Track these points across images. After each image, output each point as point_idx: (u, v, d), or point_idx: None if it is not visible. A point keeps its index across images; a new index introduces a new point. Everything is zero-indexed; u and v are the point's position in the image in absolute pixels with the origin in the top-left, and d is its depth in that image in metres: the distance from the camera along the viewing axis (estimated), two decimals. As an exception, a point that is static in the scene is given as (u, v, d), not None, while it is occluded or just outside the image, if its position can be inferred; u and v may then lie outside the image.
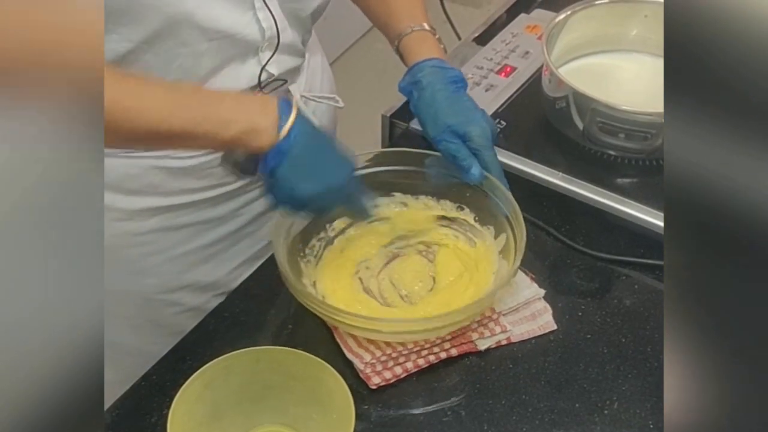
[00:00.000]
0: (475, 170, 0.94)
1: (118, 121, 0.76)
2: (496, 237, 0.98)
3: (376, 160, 1.01)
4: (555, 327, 0.95)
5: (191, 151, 0.95)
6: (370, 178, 1.00)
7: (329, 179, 0.86)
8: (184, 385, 0.82)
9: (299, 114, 0.83)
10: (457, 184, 0.99)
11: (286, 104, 0.83)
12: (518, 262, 0.89)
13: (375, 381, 0.89)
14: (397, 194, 1.03)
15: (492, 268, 0.97)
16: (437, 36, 1.03)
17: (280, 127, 0.81)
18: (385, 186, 1.02)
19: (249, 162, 0.84)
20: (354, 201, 0.92)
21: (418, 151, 1.00)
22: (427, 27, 1.03)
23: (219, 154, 0.85)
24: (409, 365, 0.90)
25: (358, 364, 0.89)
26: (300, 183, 0.84)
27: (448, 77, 0.98)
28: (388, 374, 0.90)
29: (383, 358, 0.90)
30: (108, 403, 0.90)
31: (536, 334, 0.94)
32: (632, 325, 0.96)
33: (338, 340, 0.92)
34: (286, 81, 1.01)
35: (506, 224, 0.95)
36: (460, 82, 0.99)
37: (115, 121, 0.76)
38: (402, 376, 0.90)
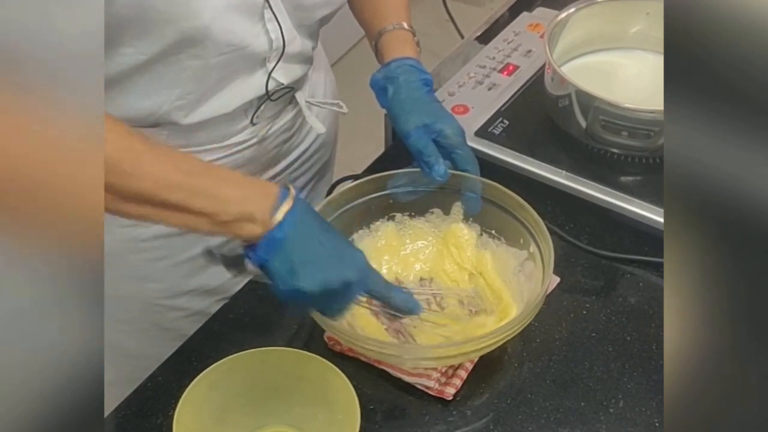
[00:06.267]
0: (439, 168, 0.93)
1: (110, 182, 0.69)
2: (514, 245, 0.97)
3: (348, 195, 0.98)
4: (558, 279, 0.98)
5: (183, 228, 0.81)
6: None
7: (337, 269, 0.77)
8: (190, 386, 0.82)
9: (297, 200, 0.77)
10: (424, 196, 0.99)
11: (284, 191, 0.77)
12: (548, 278, 0.88)
13: (450, 392, 0.89)
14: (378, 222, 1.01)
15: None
16: (416, 39, 1.03)
17: (273, 214, 0.75)
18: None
19: (235, 257, 0.78)
20: (387, 299, 0.82)
21: (378, 175, 0.98)
22: (407, 27, 1.03)
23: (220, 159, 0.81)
24: (468, 364, 0.91)
25: (427, 382, 0.89)
26: (300, 273, 0.75)
27: (421, 78, 0.99)
28: (456, 381, 0.90)
29: (443, 369, 0.90)
30: (111, 404, 0.90)
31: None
32: (637, 324, 0.96)
33: (386, 367, 0.91)
34: (293, 88, 1.02)
35: (527, 233, 0.94)
36: (431, 86, 1.00)
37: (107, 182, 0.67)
38: (465, 377, 0.90)
